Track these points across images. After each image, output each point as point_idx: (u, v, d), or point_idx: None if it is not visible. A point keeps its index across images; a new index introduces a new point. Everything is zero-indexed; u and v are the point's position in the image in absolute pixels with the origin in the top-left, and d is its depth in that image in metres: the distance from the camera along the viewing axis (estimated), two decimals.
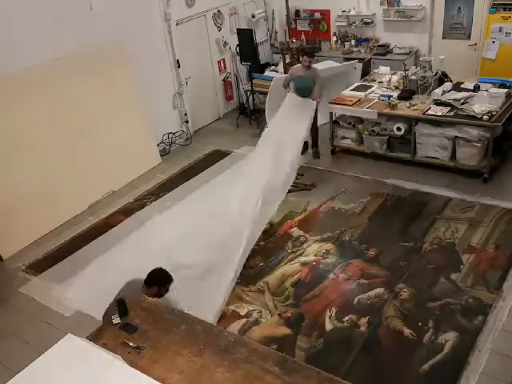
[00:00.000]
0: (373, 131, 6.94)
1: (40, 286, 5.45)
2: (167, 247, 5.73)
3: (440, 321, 4.35)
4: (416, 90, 6.97)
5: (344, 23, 9.29)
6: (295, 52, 8.41)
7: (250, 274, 5.19)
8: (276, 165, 6.26)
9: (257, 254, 5.53)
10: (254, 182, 6.08)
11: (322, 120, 8.06)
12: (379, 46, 8.88)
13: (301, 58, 7.14)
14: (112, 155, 7.11)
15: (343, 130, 7.36)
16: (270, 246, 5.65)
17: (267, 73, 9.03)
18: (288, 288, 4.97)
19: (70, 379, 3.42)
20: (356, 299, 4.72)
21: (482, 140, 6.13)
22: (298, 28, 9.79)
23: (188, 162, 7.86)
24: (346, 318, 4.51)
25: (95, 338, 3.74)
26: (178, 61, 8.15)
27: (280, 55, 8.69)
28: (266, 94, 8.81)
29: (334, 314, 4.58)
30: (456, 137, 6.30)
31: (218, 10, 8.80)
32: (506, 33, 7.53)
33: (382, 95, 7.04)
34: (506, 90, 6.44)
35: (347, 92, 7.48)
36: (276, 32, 10.10)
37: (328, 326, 4.46)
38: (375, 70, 8.12)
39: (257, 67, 8.76)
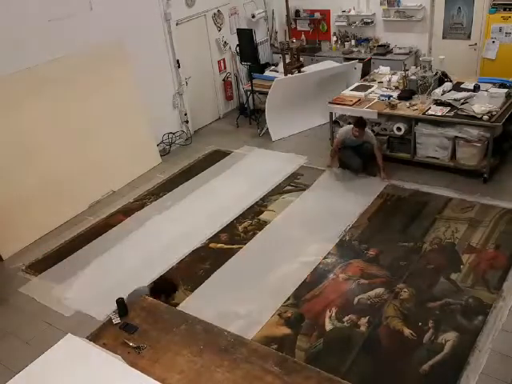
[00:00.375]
0: (373, 131, 6.94)
1: (40, 286, 5.45)
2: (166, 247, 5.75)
3: (440, 321, 4.35)
4: (416, 89, 6.97)
5: (344, 23, 9.29)
6: (295, 52, 8.42)
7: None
8: None
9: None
10: None
11: (322, 120, 8.08)
12: (379, 45, 8.89)
13: (352, 128, 6.46)
14: (112, 155, 7.11)
15: None
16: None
17: (267, 73, 9.03)
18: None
19: (70, 379, 3.42)
20: (356, 299, 4.72)
21: (482, 140, 6.13)
22: (298, 28, 9.80)
23: (188, 162, 7.86)
24: (346, 318, 4.51)
25: (95, 338, 3.74)
26: (178, 61, 8.15)
27: (280, 55, 8.68)
28: (265, 94, 8.80)
29: (333, 314, 4.58)
30: (456, 137, 6.30)
31: (218, 10, 8.80)
32: (506, 33, 7.53)
33: (381, 95, 7.04)
34: (505, 90, 6.44)
35: (347, 92, 7.47)
36: (276, 32, 10.11)
37: (328, 326, 4.46)
38: (375, 70, 8.12)
39: (257, 67, 8.75)
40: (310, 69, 8.73)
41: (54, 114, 6.36)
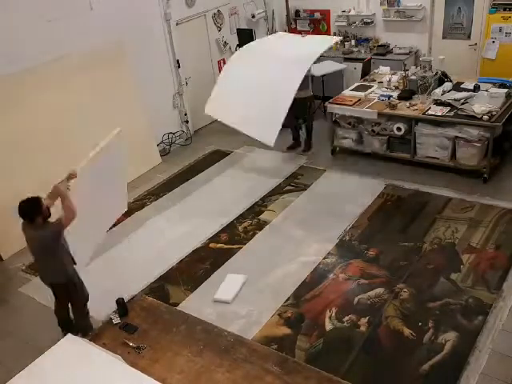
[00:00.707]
0: (373, 131, 6.94)
1: (40, 286, 5.41)
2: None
3: (440, 321, 4.35)
4: (416, 90, 6.97)
5: (344, 23, 9.29)
6: None
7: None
8: None
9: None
10: None
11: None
12: (379, 45, 8.88)
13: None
14: None
15: (343, 129, 7.35)
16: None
17: None
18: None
19: (70, 379, 3.43)
20: (356, 299, 4.72)
21: (482, 140, 6.13)
22: (298, 28, 9.79)
23: (188, 162, 7.86)
24: (346, 318, 4.51)
25: (95, 337, 3.75)
26: (178, 61, 8.15)
27: None
28: None
29: (334, 314, 4.58)
30: (456, 137, 6.30)
31: (218, 10, 8.80)
32: (506, 33, 7.53)
33: (381, 95, 7.04)
34: (505, 90, 6.44)
35: (347, 92, 7.48)
36: (276, 32, 10.10)
37: (328, 326, 4.46)
38: (375, 70, 8.12)
39: None
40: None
41: (53, 113, 6.36)
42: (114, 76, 7.06)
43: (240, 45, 8.46)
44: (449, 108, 6.39)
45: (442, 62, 7.63)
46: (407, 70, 7.20)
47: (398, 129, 6.66)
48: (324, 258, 5.32)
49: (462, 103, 6.34)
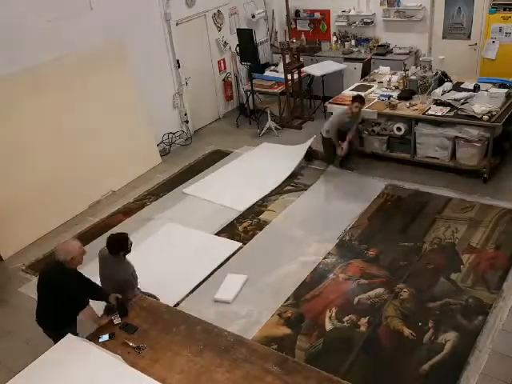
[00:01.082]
0: (373, 131, 6.94)
1: None
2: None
3: (440, 321, 4.35)
4: (416, 89, 6.97)
5: (344, 23, 9.29)
6: (295, 52, 8.42)
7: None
8: None
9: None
10: None
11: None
12: (379, 45, 8.88)
13: (351, 104, 6.46)
14: (112, 155, 7.11)
15: None
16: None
17: (267, 73, 9.03)
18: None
19: (70, 379, 3.43)
20: (356, 299, 4.72)
21: (482, 140, 6.13)
22: (298, 28, 9.79)
23: (188, 162, 7.86)
24: (346, 318, 4.51)
25: (95, 337, 3.74)
26: (177, 61, 8.15)
27: (280, 55, 8.68)
28: (265, 94, 8.86)
29: (334, 314, 4.58)
30: (456, 137, 6.30)
31: (218, 10, 8.80)
32: (506, 33, 7.53)
33: (381, 95, 7.05)
34: (505, 90, 6.44)
35: (347, 92, 7.48)
36: (276, 32, 10.11)
37: (328, 326, 4.46)
38: (375, 70, 8.12)
39: (257, 67, 8.76)
40: (310, 69, 8.75)
41: (53, 113, 6.36)
42: (114, 76, 7.06)
43: (240, 45, 8.46)
44: (449, 108, 6.39)
45: (442, 61, 7.63)
46: (407, 70, 7.20)
47: (398, 129, 6.66)
48: (324, 258, 5.31)
49: (462, 103, 6.34)
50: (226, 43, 9.08)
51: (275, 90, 8.52)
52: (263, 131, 8.46)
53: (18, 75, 5.87)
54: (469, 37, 8.24)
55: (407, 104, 6.70)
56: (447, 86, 6.82)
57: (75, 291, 3.83)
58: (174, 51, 8.08)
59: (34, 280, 5.55)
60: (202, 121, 9.05)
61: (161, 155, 8.04)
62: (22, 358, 4.00)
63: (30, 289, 5.42)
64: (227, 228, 6.03)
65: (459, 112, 6.25)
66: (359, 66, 8.31)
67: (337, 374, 3.67)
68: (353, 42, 9.25)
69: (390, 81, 7.39)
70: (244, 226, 6.04)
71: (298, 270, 5.19)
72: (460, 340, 4.14)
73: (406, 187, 6.41)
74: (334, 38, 9.43)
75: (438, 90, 6.70)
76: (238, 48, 8.78)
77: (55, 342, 3.86)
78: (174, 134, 8.39)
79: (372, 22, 8.98)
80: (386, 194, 6.33)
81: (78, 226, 6.47)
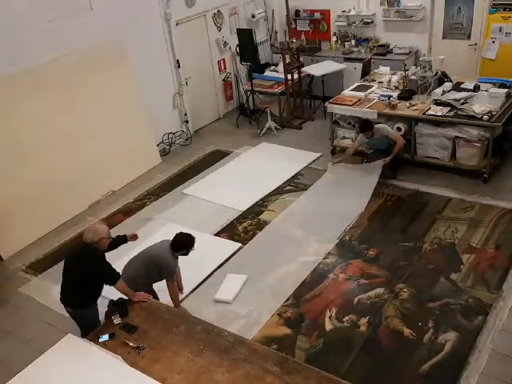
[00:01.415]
0: None
1: (40, 286, 5.45)
2: None
3: (440, 321, 4.35)
4: (416, 90, 6.96)
5: (344, 23, 9.28)
6: (295, 52, 8.42)
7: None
8: None
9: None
10: None
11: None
12: (379, 45, 8.88)
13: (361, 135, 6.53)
14: (112, 155, 7.11)
15: (343, 129, 7.35)
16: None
17: (267, 73, 9.03)
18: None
19: (70, 379, 3.43)
20: (356, 299, 4.72)
21: (482, 140, 6.13)
22: (298, 28, 9.79)
23: (188, 162, 7.86)
24: (346, 318, 4.51)
25: (95, 337, 3.74)
26: (177, 61, 8.15)
27: (280, 55, 8.68)
28: (265, 94, 8.86)
29: (334, 314, 4.58)
30: (456, 137, 6.30)
31: (218, 10, 8.80)
32: (506, 33, 7.52)
33: (381, 95, 7.04)
34: (505, 90, 6.44)
35: (347, 92, 7.48)
36: (276, 32, 10.10)
37: (328, 326, 4.46)
38: (375, 70, 8.12)
39: (257, 67, 8.76)
40: (310, 69, 8.75)
41: (53, 113, 6.36)
42: (114, 76, 7.06)
43: (240, 45, 8.47)
44: (449, 108, 6.39)
45: (442, 61, 7.62)
46: (407, 70, 7.20)
47: (398, 129, 6.66)
48: (324, 258, 5.31)
49: (462, 103, 6.34)
50: (226, 43, 9.08)
51: (275, 90, 8.52)
52: (263, 131, 8.46)
53: (17, 75, 5.87)
54: (469, 37, 8.23)
55: (407, 104, 6.70)
56: (447, 85, 6.81)
57: (105, 268, 3.92)
58: (173, 51, 8.07)
59: (34, 280, 5.58)
60: (201, 121, 9.05)
61: (161, 155, 8.04)
62: (22, 358, 4.00)
63: (30, 289, 5.44)
64: (227, 228, 6.04)
65: (459, 112, 6.25)
66: (359, 65, 8.31)
67: (337, 374, 3.68)
68: (353, 41, 9.24)
69: (389, 81, 7.39)
70: (244, 226, 6.04)
71: (297, 270, 5.19)
72: (460, 340, 4.14)
73: (406, 187, 6.41)
74: (334, 38, 9.43)
75: (438, 90, 6.70)
76: (237, 48, 8.78)
77: (75, 320, 4.05)
78: (173, 133, 8.39)
79: (372, 22, 8.98)
80: (386, 194, 6.33)
81: (77, 225, 6.47)
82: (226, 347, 3.55)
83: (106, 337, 3.71)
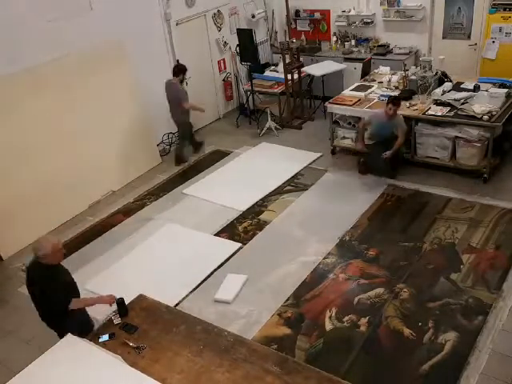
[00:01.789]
0: None
1: None
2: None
3: (440, 321, 4.35)
4: (416, 89, 6.97)
5: (344, 23, 9.29)
6: (295, 52, 8.42)
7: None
8: None
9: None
10: None
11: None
12: (379, 45, 8.88)
13: (386, 106, 6.19)
14: (112, 155, 7.12)
15: (343, 129, 7.35)
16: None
17: (267, 73, 9.03)
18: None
19: (70, 379, 3.42)
20: (356, 299, 4.72)
21: (482, 140, 6.13)
22: (298, 28, 9.79)
23: (188, 162, 7.86)
24: (346, 318, 4.51)
25: (95, 337, 3.74)
26: (178, 61, 8.14)
27: (280, 55, 8.68)
28: (265, 94, 8.86)
29: (334, 314, 4.58)
30: (456, 137, 6.30)
31: (218, 10, 8.80)
32: (506, 33, 7.53)
33: (381, 95, 7.04)
34: (505, 90, 6.44)
35: (347, 92, 7.48)
36: (276, 32, 10.10)
37: (328, 326, 4.46)
38: (375, 70, 8.12)
39: (257, 67, 8.76)
40: (310, 69, 8.75)
41: (53, 113, 6.36)
42: (114, 76, 7.06)
43: (240, 45, 8.47)
44: (449, 108, 6.39)
45: (442, 61, 7.62)
46: (407, 70, 7.20)
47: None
48: (324, 258, 5.31)
49: (462, 103, 6.34)
50: (226, 43, 9.08)
51: (275, 90, 8.52)
52: (263, 131, 8.46)
53: (17, 75, 5.87)
54: (469, 37, 8.24)
55: (407, 104, 6.70)
56: (447, 85, 6.81)
57: (52, 290, 3.62)
58: (173, 51, 8.07)
59: None
60: (201, 121, 9.04)
61: (161, 155, 8.04)
62: (22, 358, 4.00)
63: None
64: (227, 228, 6.04)
65: (459, 112, 6.25)
66: (359, 65, 8.31)
67: (337, 374, 3.68)
68: (353, 41, 9.25)
69: (389, 81, 7.39)
70: (244, 226, 6.04)
71: (297, 270, 5.20)
72: (460, 340, 4.14)
73: (406, 187, 6.41)
74: (334, 38, 9.43)
75: (438, 90, 6.70)
76: (238, 48, 8.78)
77: (60, 337, 3.83)
78: (173, 134, 8.38)
79: (372, 22, 8.98)
80: (386, 194, 6.33)
81: (77, 225, 6.47)
82: (226, 347, 3.55)
83: (105, 337, 3.71)
